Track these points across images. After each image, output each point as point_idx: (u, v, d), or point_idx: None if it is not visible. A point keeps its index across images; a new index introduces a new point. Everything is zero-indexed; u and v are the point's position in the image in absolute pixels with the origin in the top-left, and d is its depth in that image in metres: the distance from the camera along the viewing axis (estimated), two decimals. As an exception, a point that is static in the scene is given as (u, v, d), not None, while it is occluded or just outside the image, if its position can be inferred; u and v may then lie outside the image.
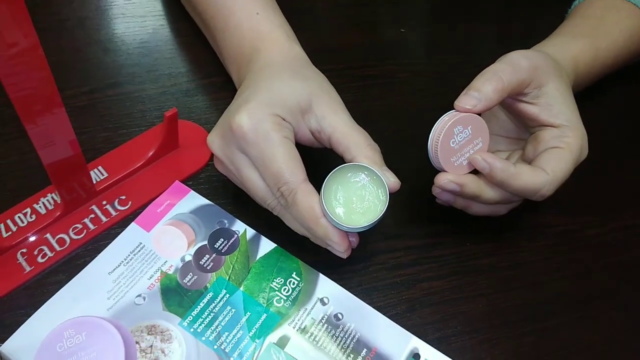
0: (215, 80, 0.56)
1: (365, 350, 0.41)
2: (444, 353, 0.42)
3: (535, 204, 0.45)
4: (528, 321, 0.45)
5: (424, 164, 0.44)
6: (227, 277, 0.43)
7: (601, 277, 0.48)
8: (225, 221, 0.46)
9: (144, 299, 0.42)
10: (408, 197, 0.47)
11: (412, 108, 0.57)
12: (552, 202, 0.46)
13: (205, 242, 0.45)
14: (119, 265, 0.43)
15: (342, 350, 0.41)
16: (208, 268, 0.44)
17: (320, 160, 0.44)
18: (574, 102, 0.45)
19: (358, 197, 0.41)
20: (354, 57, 0.61)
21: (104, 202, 0.46)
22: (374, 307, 0.43)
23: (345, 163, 0.41)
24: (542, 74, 0.43)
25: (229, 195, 0.48)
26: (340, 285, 0.44)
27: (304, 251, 0.46)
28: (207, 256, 0.44)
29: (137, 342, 0.39)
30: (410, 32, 0.65)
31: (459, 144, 0.42)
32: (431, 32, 0.67)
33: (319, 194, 0.40)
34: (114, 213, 0.46)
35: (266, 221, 0.47)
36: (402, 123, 0.55)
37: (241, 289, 0.43)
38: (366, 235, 0.46)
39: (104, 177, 0.47)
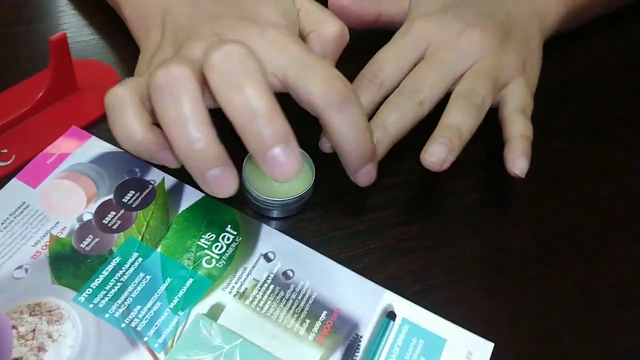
0: (116, 18, 0.45)
1: (325, 313, 0.32)
2: (426, 309, 0.32)
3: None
4: (529, 262, 0.36)
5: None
6: (140, 237, 0.33)
7: (610, 205, 0.40)
8: (137, 170, 0.36)
9: (26, 271, 0.31)
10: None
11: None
12: (540, 123, 0.38)
13: (111, 197, 0.35)
14: (-8, 232, 0.32)
15: (295, 315, 0.31)
16: (114, 227, 0.33)
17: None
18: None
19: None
20: None
21: (-22, 159, 0.36)
22: (334, 261, 0.34)
23: None
24: None
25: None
26: (290, 237, 0.34)
27: (242, 201, 0.36)
28: (113, 213, 0.34)
29: (14, 327, 0.29)
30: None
31: None
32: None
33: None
34: (-9, 171, 0.35)
35: (191, 167, 0.37)
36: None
37: (158, 250, 0.33)
38: (321, 179, 0.37)
39: (-20, 128, 0.37)
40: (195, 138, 0.26)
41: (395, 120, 0.35)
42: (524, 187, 0.40)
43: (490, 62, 0.38)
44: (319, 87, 0.28)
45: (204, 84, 0.27)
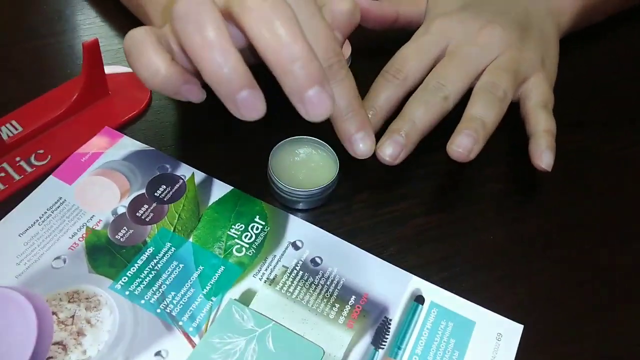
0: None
1: (354, 297, 0.32)
2: (454, 293, 0.33)
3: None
4: (553, 249, 0.36)
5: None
6: (172, 228, 0.34)
7: (632, 193, 0.40)
8: (168, 166, 0.37)
9: (64, 261, 0.32)
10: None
11: (377, 42, 0.50)
12: (562, 118, 0.39)
13: (143, 191, 0.36)
14: (32, 225, 0.34)
15: (325, 299, 0.32)
16: (147, 220, 0.34)
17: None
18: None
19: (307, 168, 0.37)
20: None
21: (18, 159, 0.37)
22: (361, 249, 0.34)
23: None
24: None
25: (173, 140, 0.39)
26: (317, 227, 0.35)
27: (268, 193, 0.37)
28: (146, 206, 0.35)
29: (54, 313, 0.30)
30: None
31: None
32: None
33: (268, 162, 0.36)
34: (29, 169, 0.37)
35: (219, 162, 0.38)
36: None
37: (190, 240, 0.34)
38: (345, 172, 0.38)
39: (18, 131, 0.38)
40: (224, 61, 0.27)
41: (422, 115, 0.36)
42: (546, 178, 0.40)
43: (510, 57, 0.39)
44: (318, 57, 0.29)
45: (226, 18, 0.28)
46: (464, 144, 0.34)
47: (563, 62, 0.44)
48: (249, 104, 0.27)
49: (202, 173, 0.37)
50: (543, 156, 0.36)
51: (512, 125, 0.39)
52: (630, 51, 0.51)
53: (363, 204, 0.38)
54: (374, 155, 0.34)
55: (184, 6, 0.27)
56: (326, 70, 0.30)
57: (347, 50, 0.45)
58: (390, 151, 0.35)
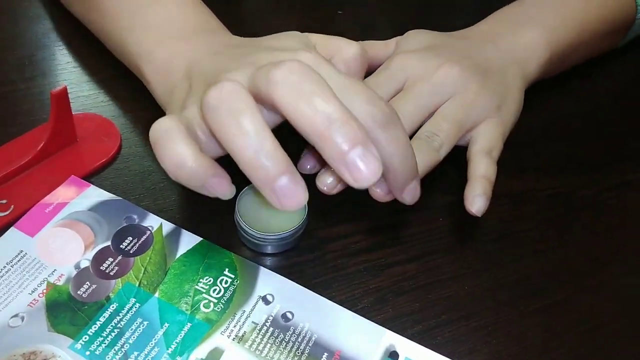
0: (115, 74, 0.46)
1: (326, 354, 0.31)
2: (428, 348, 0.32)
3: (514, 169, 0.37)
4: (530, 298, 0.36)
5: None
6: (138, 283, 0.33)
7: (606, 238, 0.40)
8: (135, 216, 0.36)
9: (23, 319, 0.31)
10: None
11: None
12: (529, 166, 0.38)
13: (109, 243, 0.35)
14: (-11, 282, 0.32)
15: (295, 358, 0.31)
16: (111, 274, 0.33)
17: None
18: None
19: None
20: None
21: (-23, 211, 0.36)
22: (333, 302, 0.33)
23: None
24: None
25: (142, 189, 0.38)
26: (289, 279, 0.34)
27: (239, 243, 0.36)
28: (111, 259, 0.34)
29: (8, 377, 0.28)
30: (347, 13, 0.59)
31: None
32: (370, 11, 0.60)
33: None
34: (-11, 222, 0.36)
35: (188, 212, 0.37)
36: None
37: (156, 295, 0.32)
38: (317, 219, 0.37)
39: (-21, 182, 0.37)
40: (261, 147, 0.26)
41: None
42: (522, 224, 0.40)
43: (460, 104, 0.39)
44: (364, 107, 0.29)
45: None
46: (380, 189, 0.34)
47: (536, 107, 0.44)
48: (289, 192, 0.26)
49: (171, 224, 0.36)
50: (475, 201, 0.36)
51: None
52: (605, 95, 0.52)
53: (337, 253, 0.37)
54: (348, 197, 0.34)
55: (215, 96, 0.27)
56: (379, 117, 0.29)
57: None
58: (330, 181, 0.35)
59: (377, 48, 0.45)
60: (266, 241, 0.35)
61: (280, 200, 0.26)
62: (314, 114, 0.26)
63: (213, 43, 0.37)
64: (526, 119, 0.43)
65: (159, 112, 0.37)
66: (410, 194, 0.33)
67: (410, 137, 0.37)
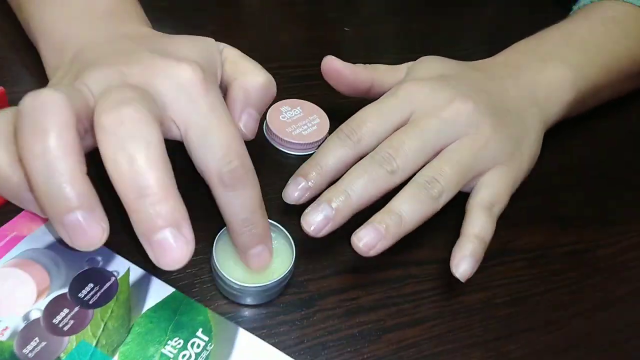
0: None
1: None
2: None
3: (526, 222, 0.33)
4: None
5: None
6: (95, 342, 0.28)
7: (629, 306, 0.35)
8: (99, 258, 0.31)
9: (-47, 384, 0.26)
10: (368, 213, 0.33)
11: (355, 108, 0.45)
12: (549, 218, 0.34)
13: (65, 290, 0.30)
14: None
15: None
16: (65, 329, 0.28)
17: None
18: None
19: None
20: (288, 56, 0.49)
21: None
22: (321, 374, 0.29)
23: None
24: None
25: (115, 217, 0.34)
26: (271, 343, 0.30)
27: (217, 296, 0.31)
28: (67, 310, 0.29)
29: None
30: (354, 31, 0.54)
31: (291, 119, 0.41)
32: (378, 30, 0.56)
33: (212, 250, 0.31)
34: None
35: (161, 255, 0.32)
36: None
37: (115, 358, 0.28)
38: (306, 271, 0.33)
39: None
40: (54, 170, 0.22)
41: (361, 187, 0.32)
42: (535, 286, 0.35)
43: (468, 147, 0.35)
44: (215, 162, 0.27)
45: (85, 122, 0.25)
46: (366, 238, 0.30)
47: (550, 148, 0.40)
48: (79, 229, 0.23)
49: (140, 269, 0.31)
50: (461, 263, 0.31)
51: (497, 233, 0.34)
52: (625, 135, 0.48)
53: (329, 312, 0.32)
54: (341, 246, 0.30)
55: (28, 103, 0.23)
56: (227, 176, 0.27)
57: (326, 125, 0.41)
58: (317, 223, 0.31)
59: (385, 73, 0.40)
60: (245, 292, 0.30)
61: (71, 237, 0.23)
62: (130, 180, 0.23)
63: (112, 31, 0.34)
64: (541, 163, 0.39)
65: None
66: (254, 259, 0.30)
67: (411, 177, 0.33)
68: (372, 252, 0.30)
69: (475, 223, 0.33)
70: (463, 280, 0.31)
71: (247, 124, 0.32)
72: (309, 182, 0.33)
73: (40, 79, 0.35)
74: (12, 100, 0.39)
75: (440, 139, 0.34)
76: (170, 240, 0.23)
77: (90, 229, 0.23)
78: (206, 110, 0.27)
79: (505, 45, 0.43)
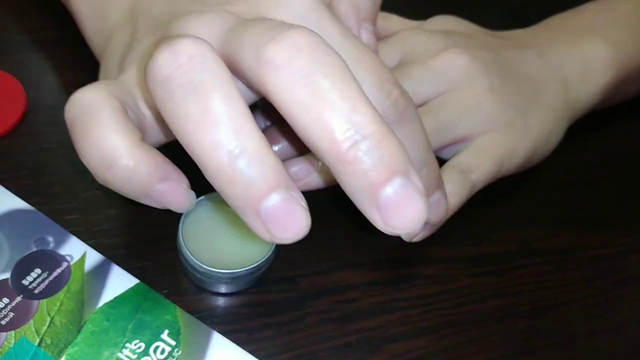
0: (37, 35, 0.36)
1: None
2: None
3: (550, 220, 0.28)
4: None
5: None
6: (38, 340, 0.23)
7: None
8: (50, 239, 0.26)
9: None
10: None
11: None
12: (577, 217, 0.29)
13: (7, 276, 0.25)
14: None
15: None
16: (3, 323, 0.23)
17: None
18: None
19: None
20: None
21: None
22: (309, 391, 0.24)
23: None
24: None
25: (70, 194, 0.28)
26: (250, 351, 0.25)
27: (190, 291, 0.26)
28: (6, 300, 0.24)
29: None
30: None
31: None
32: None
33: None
34: None
35: (125, 237, 0.28)
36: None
37: (61, 362, 0.23)
38: (297, 264, 0.28)
39: None
40: (239, 148, 0.17)
41: None
42: (561, 295, 0.31)
43: (456, 101, 0.30)
44: (374, 95, 0.20)
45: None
46: None
47: (576, 143, 0.35)
48: (283, 218, 0.17)
49: (98, 253, 0.26)
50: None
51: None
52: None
53: (322, 315, 0.27)
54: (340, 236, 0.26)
55: (167, 62, 0.17)
56: (391, 110, 0.21)
57: None
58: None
59: (396, 24, 0.35)
60: (216, 278, 0.25)
61: (272, 230, 0.18)
62: (333, 124, 0.17)
63: None
64: (574, 154, 0.34)
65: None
66: (435, 209, 0.25)
67: None
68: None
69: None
70: (407, 240, 0.28)
71: (369, 42, 0.26)
72: None
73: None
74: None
75: (423, 89, 0.30)
76: (404, 191, 0.17)
77: (294, 216, 0.18)
78: (340, 38, 0.21)
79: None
